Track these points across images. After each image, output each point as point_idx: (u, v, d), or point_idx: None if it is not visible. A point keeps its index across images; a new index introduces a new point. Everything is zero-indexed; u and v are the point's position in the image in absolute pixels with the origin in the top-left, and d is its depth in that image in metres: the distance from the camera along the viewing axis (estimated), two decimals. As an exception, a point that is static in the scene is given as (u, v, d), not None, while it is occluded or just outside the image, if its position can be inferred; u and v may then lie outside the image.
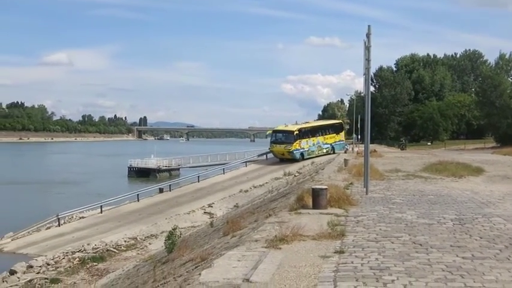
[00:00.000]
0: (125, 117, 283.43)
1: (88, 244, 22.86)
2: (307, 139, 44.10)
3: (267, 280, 5.69)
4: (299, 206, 11.14)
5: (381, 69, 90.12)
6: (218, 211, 28.82)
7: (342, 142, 49.01)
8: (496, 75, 64.17)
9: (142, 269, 13.93)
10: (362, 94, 62.97)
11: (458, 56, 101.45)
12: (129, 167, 59.38)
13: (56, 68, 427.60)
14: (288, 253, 7.00)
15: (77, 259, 20.54)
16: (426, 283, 5.65)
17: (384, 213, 10.67)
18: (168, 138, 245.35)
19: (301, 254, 6.99)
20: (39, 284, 17.45)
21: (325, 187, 11.46)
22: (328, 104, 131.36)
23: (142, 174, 56.58)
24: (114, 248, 22.38)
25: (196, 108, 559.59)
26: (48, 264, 20.26)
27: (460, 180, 18.45)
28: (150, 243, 23.01)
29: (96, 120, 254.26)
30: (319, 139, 45.59)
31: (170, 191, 35.76)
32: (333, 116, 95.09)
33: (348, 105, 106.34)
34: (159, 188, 36.58)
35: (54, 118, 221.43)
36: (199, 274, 6.26)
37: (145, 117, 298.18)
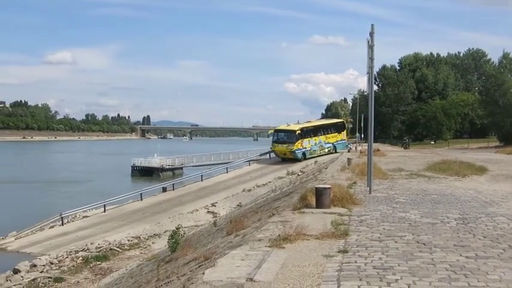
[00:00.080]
0: (128, 116, 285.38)
1: (91, 243, 22.88)
2: (309, 138, 43.93)
3: (270, 279, 5.70)
4: (302, 205, 11.13)
5: (384, 68, 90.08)
6: (221, 210, 28.81)
7: (343, 141, 48.94)
8: (499, 74, 64.08)
9: (146, 268, 13.94)
10: (365, 93, 63.09)
11: (461, 54, 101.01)
12: (132, 166, 59.48)
13: (59, 67, 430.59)
14: (292, 252, 7.00)
15: (81, 258, 20.56)
16: (430, 282, 5.64)
17: (387, 212, 10.66)
18: (172, 137, 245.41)
19: (305, 253, 6.99)
20: (42, 283, 17.49)
21: (329, 186, 11.45)
22: (331, 103, 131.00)
23: (145, 173, 56.59)
24: (117, 247, 22.41)
25: (199, 107, 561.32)
26: (52, 263, 20.28)
27: (464, 179, 18.41)
28: (153, 243, 23.03)
29: (100, 119, 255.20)
30: (321, 138, 45.34)
31: (173, 190, 35.80)
32: (336, 115, 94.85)
33: (351, 104, 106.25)
34: (163, 187, 36.63)
35: (58, 117, 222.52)
36: (203, 273, 6.27)
37: (148, 116, 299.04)
